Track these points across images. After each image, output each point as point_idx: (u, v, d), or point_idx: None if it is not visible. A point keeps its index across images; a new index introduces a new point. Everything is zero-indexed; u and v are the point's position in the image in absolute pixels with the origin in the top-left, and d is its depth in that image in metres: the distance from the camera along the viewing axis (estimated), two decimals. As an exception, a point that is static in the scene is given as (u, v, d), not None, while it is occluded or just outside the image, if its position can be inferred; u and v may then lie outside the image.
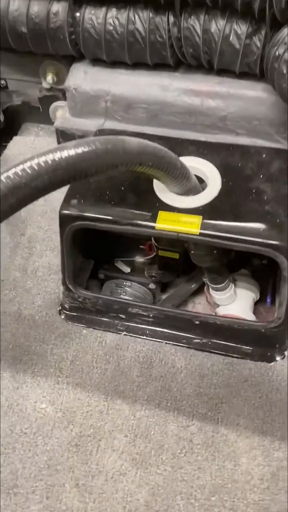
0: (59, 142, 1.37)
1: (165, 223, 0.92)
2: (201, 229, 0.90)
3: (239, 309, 1.16)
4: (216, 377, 1.04)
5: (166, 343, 1.11)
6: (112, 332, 1.14)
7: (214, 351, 1.10)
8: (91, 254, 1.25)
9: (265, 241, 0.88)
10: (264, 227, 0.89)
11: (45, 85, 1.37)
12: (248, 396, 1.01)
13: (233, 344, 1.09)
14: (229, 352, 1.09)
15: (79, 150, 0.68)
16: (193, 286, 1.27)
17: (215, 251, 1.05)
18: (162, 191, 0.95)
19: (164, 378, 1.05)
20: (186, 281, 1.30)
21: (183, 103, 1.15)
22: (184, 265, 1.14)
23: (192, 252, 1.08)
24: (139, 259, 1.23)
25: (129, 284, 1.24)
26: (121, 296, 1.20)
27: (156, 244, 1.18)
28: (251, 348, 1.09)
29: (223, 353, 1.09)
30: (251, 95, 1.12)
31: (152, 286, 1.23)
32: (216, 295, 1.22)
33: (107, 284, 1.23)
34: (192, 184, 0.93)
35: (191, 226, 0.90)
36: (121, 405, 1.01)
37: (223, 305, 1.18)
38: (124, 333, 1.14)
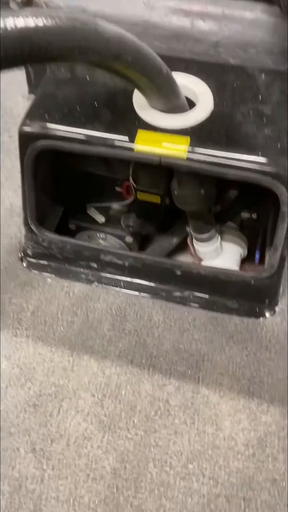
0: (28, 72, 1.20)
1: (145, 144, 0.77)
2: (189, 152, 0.76)
3: (225, 264, 1.04)
4: (198, 332, 0.92)
5: (142, 295, 0.98)
6: (81, 282, 1.00)
7: (197, 305, 0.97)
8: (61, 200, 1.10)
9: (263, 168, 0.75)
10: (263, 153, 0.76)
11: (13, 5, 1.19)
12: (233, 354, 0.89)
13: (218, 298, 0.97)
14: (213, 307, 0.97)
15: (39, 20, 0.53)
16: (174, 240, 1.14)
17: (202, 190, 0.92)
18: (143, 108, 0.81)
19: (139, 332, 0.92)
20: (167, 235, 1.15)
21: (170, 25, 1.00)
22: (165, 214, 1.01)
23: (176, 192, 0.95)
24: (115, 205, 1.09)
25: (103, 236, 1.14)
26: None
27: (135, 185, 1.03)
28: (238, 302, 0.97)
29: (207, 308, 0.96)
30: (248, 17, 0.98)
31: (129, 239, 1.11)
32: (201, 248, 1.09)
33: (78, 236, 1.13)
34: (180, 102, 0.79)
35: (177, 149, 0.76)
36: (88, 361, 0.88)
37: (208, 259, 1.05)
38: (95, 283, 1.00)
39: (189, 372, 0.88)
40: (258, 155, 0.76)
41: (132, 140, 0.78)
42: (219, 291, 0.97)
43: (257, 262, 1.12)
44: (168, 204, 1.09)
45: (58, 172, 1.04)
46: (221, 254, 1.11)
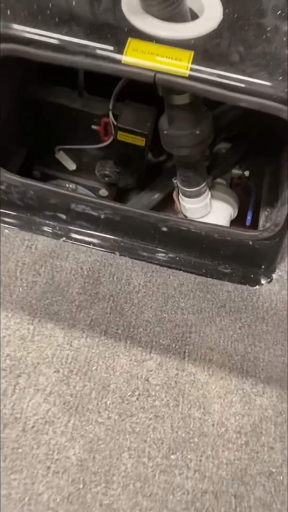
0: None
1: (137, 56, 0.60)
2: (192, 70, 0.59)
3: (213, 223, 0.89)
4: (185, 299, 0.78)
5: (120, 255, 0.82)
6: (46, 236, 0.82)
7: (184, 268, 0.82)
8: (24, 141, 0.92)
9: (280, 94, 0.60)
10: (280, 77, 0.60)
11: None
12: (224, 326, 0.77)
13: (209, 261, 0.83)
14: (202, 271, 0.83)
15: None
16: (157, 195, 0.98)
17: (198, 129, 0.76)
18: (135, 12, 0.64)
19: (115, 298, 0.77)
20: (148, 189, 0.99)
21: None
22: (148, 163, 0.85)
23: (166, 131, 0.78)
24: (90, 149, 0.92)
25: (73, 187, 1.00)
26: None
27: (115, 122, 0.86)
28: (230, 267, 0.83)
29: (195, 272, 0.82)
30: None
31: (103, 192, 0.99)
32: (188, 204, 0.94)
33: None
34: (182, 7, 0.62)
35: (177, 64, 0.60)
36: (52, 330, 0.73)
37: (194, 217, 0.89)
38: (64, 238, 0.83)
39: (174, 345, 0.75)
40: (273, 80, 0.60)
41: (120, 50, 0.61)
42: (210, 252, 0.83)
43: (248, 224, 0.99)
44: (153, 149, 0.93)
45: (22, 104, 0.85)
46: (209, 213, 0.97)
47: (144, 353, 0.74)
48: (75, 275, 0.79)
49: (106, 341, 0.74)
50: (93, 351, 0.73)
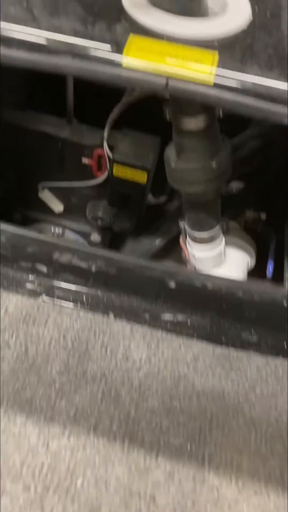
0: None
1: (142, 57, 0.45)
2: (218, 75, 0.44)
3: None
4: (202, 380, 0.60)
5: (116, 317, 0.64)
6: (21, 294, 0.64)
7: (198, 335, 0.65)
8: (1, 175, 0.76)
9: None
10: None
11: None
12: (256, 416, 0.58)
13: (230, 326, 0.65)
14: (222, 339, 0.65)
15: None
16: (158, 241, 0.88)
17: (214, 161, 0.61)
18: (139, 5, 0.48)
19: (109, 379, 0.59)
20: (148, 233, 0.83)
21: None
22: (148, 202, 0.77)
23: (174, 164, 0.63)
24: (79, 186, 0.78)
25: (60, 232, 0.87)
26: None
27: (110, 154, 0.71)
28: (258, 333, 0.65)
29: (212, 340, 0.64)
30: None
31: (95, 237, 0.85)
32: (198, 252, 0.79)
33: None
34: (200, 2, 0.47)
35: (197, 66, 0.44)
36: (23, 425, 0.57)
37: (206, 268, 0.78)
38: (44, 296, 0.65)
39: (188, 447, 0.57)
40: None
41: (119, 49, 0.45)
42: (231, 314, 0.65)
43: (269, 276, 0.83)
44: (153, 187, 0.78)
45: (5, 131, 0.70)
46: (223, 262, 0.81)
47: (148, 459, 0.56)
48: (56, 347, 0.61)
49: (96, 440, 0.56)
50: (78, 455, 0.54)
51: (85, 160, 0.77)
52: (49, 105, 0.72)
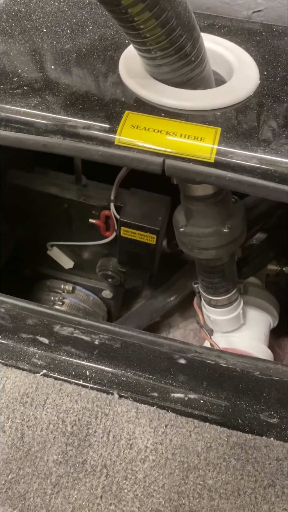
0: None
1: (136, 136, 0.41)
2: (218, 154, 0.40)
3: (248, 342, 0.79)
4: (214, 473, 0.53)
5: (120, 396, 0.59)
6: (21, 369, 0.61)
7: (211, 418, 0.58)
8: (10, 233, 0.75)
9: None
10: None
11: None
12: None
13: (246, 407, 0.59)
14: (238, 423, 0.58)
15: None
16: (172, 298, 0.80)
17: (227, 226, 0.56)
18: (136, 76, 0.45)
19: (110, 470, 0.53)
20: (161, 290, 0.79)
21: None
22: (161, 258, 0.75)
23: (183, 229, 0.59)
24: (89, 245, 0.76)
25: (70, 288, 0.86)
26: (56, 306, 0.71)
27: (117, 216, 0.68)
28: (278, 414, 0.58)
29: (227, 424, 0.57)
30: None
31: (107, 294, 0.86)
32: (214, 315, 0.74)
33: (36, 288, 0.86)
34: (203, 70, 0.44)
35: (197, 144, 0.40)
36: None
37: (223, 330, 0.68)
38: (44, 371, 0.61)
39: None
40: None
41: (113, 127, 0.42)
42: (247, 394, 0.59)
43: None
44: (167, 247, 0.74)
45: (8, 191, 0.69)
46: (242, 324, 0.76)
47: None
48: (54, 431, 0.55)
49: None
50: None
51: (92, 221, 0.73)
52: (57, 162, 0.70)
